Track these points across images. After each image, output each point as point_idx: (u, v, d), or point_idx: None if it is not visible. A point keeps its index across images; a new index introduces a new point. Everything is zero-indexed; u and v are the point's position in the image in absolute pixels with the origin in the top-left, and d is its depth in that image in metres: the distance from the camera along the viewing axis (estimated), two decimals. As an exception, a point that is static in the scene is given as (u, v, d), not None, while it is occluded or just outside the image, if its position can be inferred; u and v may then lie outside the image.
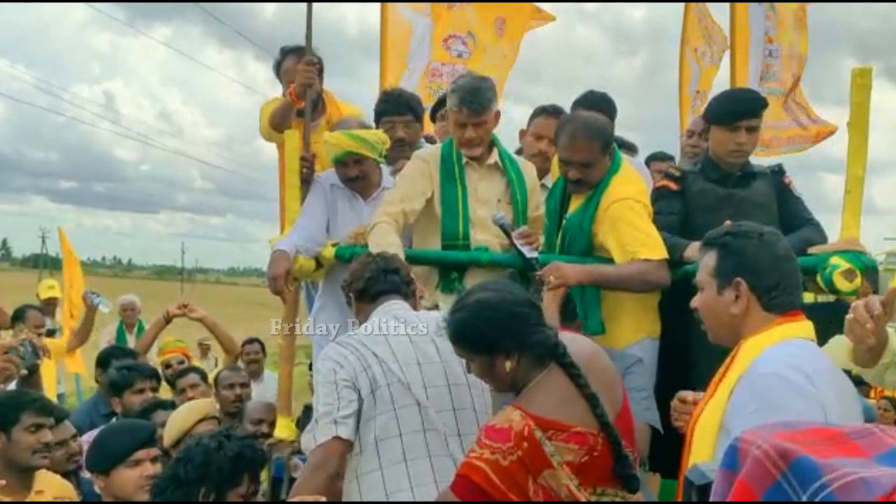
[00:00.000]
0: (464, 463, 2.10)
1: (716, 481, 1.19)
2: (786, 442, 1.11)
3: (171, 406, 3.55)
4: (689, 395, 2.27)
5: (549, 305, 2.88)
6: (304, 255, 3.38)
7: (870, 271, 3.05)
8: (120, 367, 4.17)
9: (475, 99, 3.27)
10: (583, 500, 2.05)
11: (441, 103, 4.32)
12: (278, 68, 4.11)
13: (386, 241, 3.14)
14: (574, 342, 2.27)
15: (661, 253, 3.10)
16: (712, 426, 1.92)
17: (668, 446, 2.59)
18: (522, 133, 4.08)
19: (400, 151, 3.73)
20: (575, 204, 3.32)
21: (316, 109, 4.10)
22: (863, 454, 1.11)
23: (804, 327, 2.04)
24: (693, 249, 2.94)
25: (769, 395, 1.82)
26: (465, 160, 3.38)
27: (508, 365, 2.16)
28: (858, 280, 2.98)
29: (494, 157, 3.43)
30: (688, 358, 3.10)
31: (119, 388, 4.08)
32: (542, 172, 3.86)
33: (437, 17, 5.24)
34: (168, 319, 4.80)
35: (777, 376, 1.84)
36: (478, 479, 2.02)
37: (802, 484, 1.06)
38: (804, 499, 1.05)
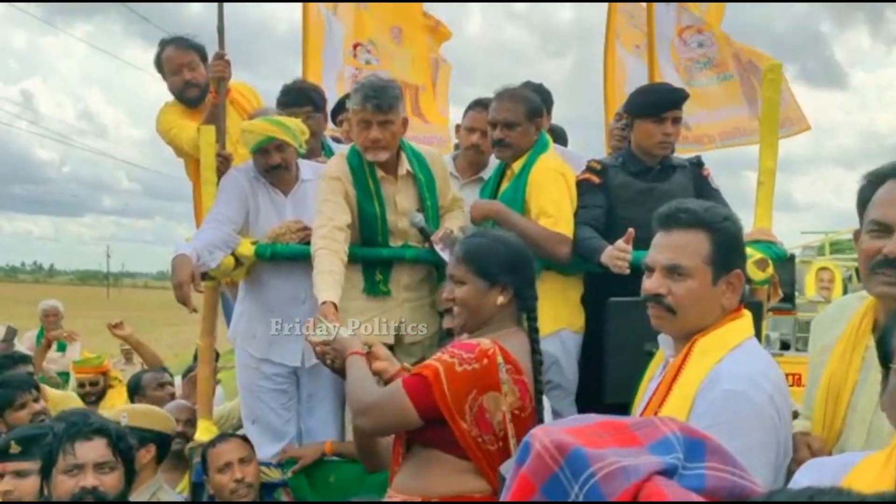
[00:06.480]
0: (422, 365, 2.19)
1: (508, 477, 1.21)
2: (565, 435, 1.15)
3: None
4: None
5: None
6: (203, 266, 3.19)
7: (781, 261, 3.14)
8: None
9: (379, 95, 3.10)
10: (510, 434, 2.13)
11: (341, 106, 4.27)
12: (159, 60, 4.19)
13: (326, 269, 3.00)
14: None
15: (565, 228, 3.23)
16: None
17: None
18: (458, 128, 4.07)
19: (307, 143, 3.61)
20: (505, 186, 3.42)
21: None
22: (638, 443, 1.17)
23: (749, 322, 1.92)
24: (608, 256, 2.97)
25: (730, 417, 1.72)
26: (379, 174, 3.25)
27: (500, 300, 2.26)
28: (770, 269, 3.06)
29: (406, 166, 3.30)
30: (601, 357, 3.04)
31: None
32: (477, 166, 3.87)
33: (343, 19, 5.12)
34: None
35: (744, 397, 1.75)
36: (427, 372, 2.12)
37: (575, 475, 1.10)
38: (576, 489, 1.09)
